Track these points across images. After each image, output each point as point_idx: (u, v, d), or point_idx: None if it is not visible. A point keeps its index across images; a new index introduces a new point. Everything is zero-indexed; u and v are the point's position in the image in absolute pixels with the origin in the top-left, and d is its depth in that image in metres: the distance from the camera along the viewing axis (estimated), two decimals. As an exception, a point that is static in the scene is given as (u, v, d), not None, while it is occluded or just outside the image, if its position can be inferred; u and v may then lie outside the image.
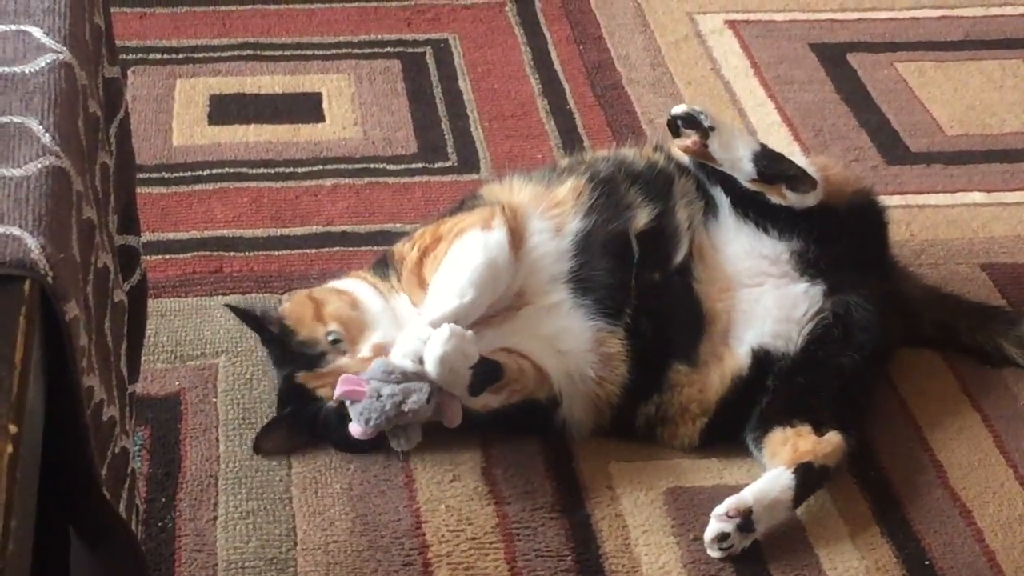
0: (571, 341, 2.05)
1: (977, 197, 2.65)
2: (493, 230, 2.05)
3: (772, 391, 2.07)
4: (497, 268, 2.02)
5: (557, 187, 2.14)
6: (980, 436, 2.15)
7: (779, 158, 2.13)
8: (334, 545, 1.94)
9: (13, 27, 1.25)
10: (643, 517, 2.00)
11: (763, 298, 2.11)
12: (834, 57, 3.04)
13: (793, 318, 2.10)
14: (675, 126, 2.13)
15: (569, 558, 1.94)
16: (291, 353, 2.07)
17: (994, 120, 2.87)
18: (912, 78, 2.98)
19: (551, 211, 2.11)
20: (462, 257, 2.02)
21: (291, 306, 2.11)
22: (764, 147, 2.13)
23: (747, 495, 1.94)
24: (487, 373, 1.96)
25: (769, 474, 1.98)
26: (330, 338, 2.04)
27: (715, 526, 1.92)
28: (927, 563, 1.95)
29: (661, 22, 3.14)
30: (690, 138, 2.12)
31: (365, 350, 2.03)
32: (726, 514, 1.92)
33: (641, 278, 2.08)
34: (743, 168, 2.11)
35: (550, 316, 2.06)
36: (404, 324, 2.05)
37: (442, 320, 1.94)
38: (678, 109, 2.13)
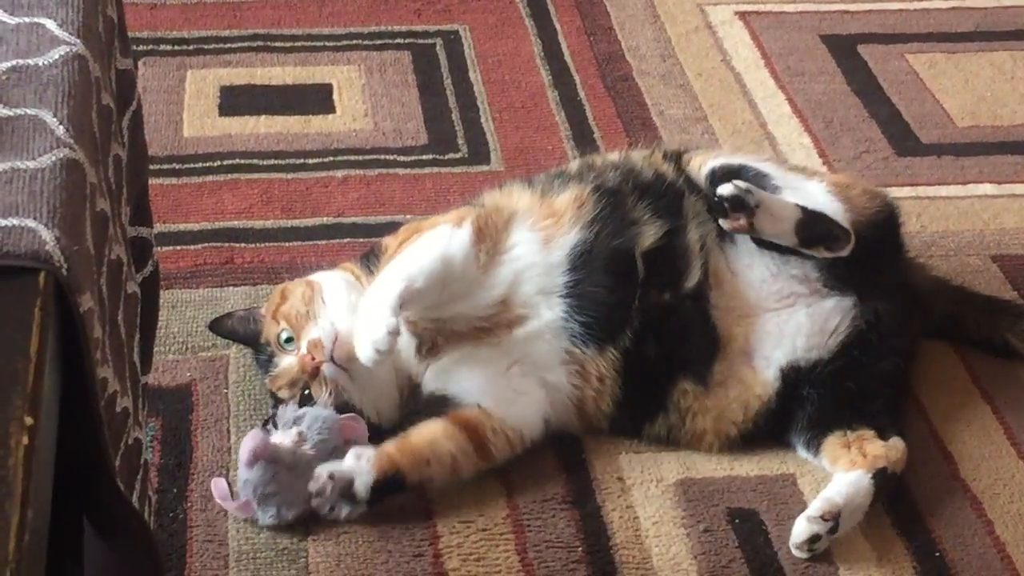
0: (553, 359, 2.03)
1: (988, 189, 2.65)
2: (461, 228, 2.04)
3: (818, 398, 2.05)
4: (452, 264, 2.01)
5: (557, 196, 2.10)
6: (991, 428, 2.15)
7: (819, 220, 2.06)
8: (345, 536, 1.94)
9: (27, 19, 1.26)
10: (653, 508, 2.00)
11: (795, 317, 2.07)
12: (845, 48, 3.04)
13: (827, 331, 2.07)
14: (722, 208, 2.05)
15: (580, 549, 1.94)
16: (260, 356, 2.09)
17: (1005, 111, 2.87)
18: (923, 69, 2.97)
19: (543, 222, 2.07)
20: (422, 247, 2.02)
21: (267, 303, 2.11)
22: (805, 212, 2.06)
23: (837, 498, 1.93)
24: (390, 487, 1.94)
25: (850, 477, 1.96)
26: (283, 337, 2.04)
27: (808, 528, 1.91)
28: (937, 555, 1.95)
29: (671, 13, 3.14)
30: (739, 220, 2.04)
31: (303, 347, 2.02)
32: (821, 517, 1.90)
33: (646, 300, 2.04)
34: (787, 239, 2.05)
35: (533, 339, 2.03)
36: None
37: (389, 299, 1.92)
38: (725, 190, 2.03)
